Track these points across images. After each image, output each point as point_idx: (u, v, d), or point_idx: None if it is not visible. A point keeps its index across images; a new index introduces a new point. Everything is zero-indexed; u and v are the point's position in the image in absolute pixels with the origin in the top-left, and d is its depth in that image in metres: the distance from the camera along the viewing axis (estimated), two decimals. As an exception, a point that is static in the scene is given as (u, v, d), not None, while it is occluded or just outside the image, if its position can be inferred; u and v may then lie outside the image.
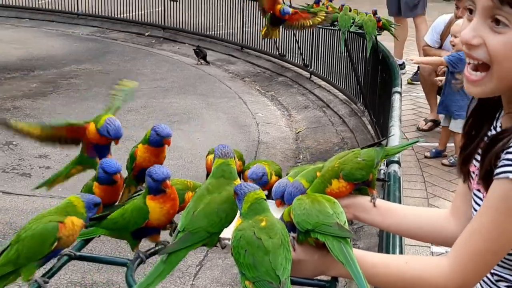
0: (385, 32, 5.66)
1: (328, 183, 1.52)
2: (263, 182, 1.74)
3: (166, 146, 1.78)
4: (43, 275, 1.43)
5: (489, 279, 1.35)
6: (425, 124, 6.06)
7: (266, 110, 7.34)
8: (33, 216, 1.52)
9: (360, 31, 5.31)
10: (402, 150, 1.81)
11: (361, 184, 1.55)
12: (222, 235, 1.41)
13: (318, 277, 1.38)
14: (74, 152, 1.94)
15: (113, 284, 3.60)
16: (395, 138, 2.83)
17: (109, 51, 9.96)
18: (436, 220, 1.50)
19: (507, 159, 1.16)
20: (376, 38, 5.33)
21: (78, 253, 1.53)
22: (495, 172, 1.17)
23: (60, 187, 5.63)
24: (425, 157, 5.38)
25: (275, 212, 1.47)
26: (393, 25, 5.61)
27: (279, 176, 1.84)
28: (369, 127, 6.04)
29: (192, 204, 1.38)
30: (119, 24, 11.51)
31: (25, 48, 9.80)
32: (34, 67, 8.67)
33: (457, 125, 5.27)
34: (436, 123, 6.05)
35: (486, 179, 1.21)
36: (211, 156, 1.78)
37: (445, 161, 5.27)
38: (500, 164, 1.17)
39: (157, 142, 1.76)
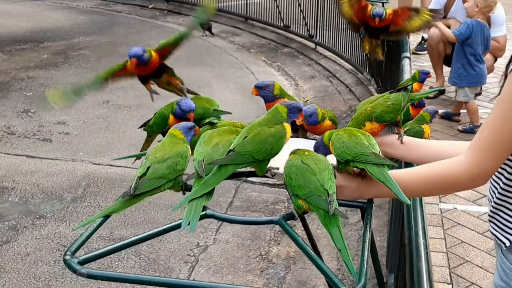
0: (392, 1, 5.76)
1: (361, 124, 1.73)
2: (312, 122, 1.88)
3: None
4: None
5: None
6: (430, 92, 6.25)
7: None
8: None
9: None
10: (425, 96, 2.03)
11: (390, 124, 1.75)
12: (270, 165, 1.61)
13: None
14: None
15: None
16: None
17: (115, 23, 10.06)
18: (456, 152, 1.64)
19: None
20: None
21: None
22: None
23: (81, 152, 5.84)
24: (440, 116, 5.55)
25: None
26: None
27: (333, 121, 1.96)
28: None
29: (245, 130, 1.58)
30: (122, -3, 11.58)
31: (33, 21, 9.91)
32: (43, 39, 8.80)
33: (459, 95, 5.56)
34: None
35: None
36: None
37: (460, 127, 5.50)
38: None
39: (182, 117, 1.94)
